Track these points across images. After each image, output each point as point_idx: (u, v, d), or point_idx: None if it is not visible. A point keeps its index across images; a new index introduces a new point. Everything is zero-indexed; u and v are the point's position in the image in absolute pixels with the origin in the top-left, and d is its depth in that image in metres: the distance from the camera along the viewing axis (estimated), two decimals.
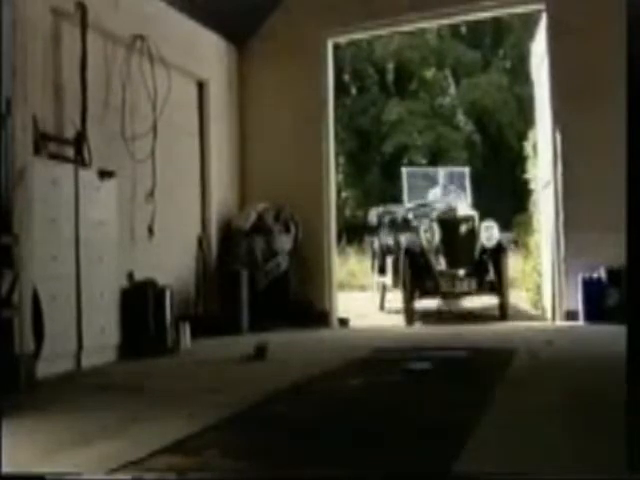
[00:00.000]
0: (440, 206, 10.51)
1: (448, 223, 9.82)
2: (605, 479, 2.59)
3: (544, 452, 2.93)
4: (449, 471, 2.72)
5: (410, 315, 9.29)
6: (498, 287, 9.34)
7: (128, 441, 3.31)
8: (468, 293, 9.77)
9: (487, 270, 9.45)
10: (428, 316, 9.96)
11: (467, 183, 12.02)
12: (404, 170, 12.60)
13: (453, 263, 9.53)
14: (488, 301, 10.02)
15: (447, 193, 11.49)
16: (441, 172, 12.26)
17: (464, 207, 10.49)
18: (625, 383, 2.58)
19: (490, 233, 9.56)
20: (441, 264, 9.56)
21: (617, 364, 4.81)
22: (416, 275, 9.43)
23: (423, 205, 11.06)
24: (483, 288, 9.49)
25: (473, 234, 9.71)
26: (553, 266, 8.20)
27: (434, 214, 10.04)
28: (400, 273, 9.74)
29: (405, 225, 10.64)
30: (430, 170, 13.53)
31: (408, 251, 9.60)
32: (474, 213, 10.14)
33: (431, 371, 5.20)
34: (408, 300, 9.34)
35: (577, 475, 2.65)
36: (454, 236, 9.70)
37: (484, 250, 9.52)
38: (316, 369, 5.34)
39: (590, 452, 2.92)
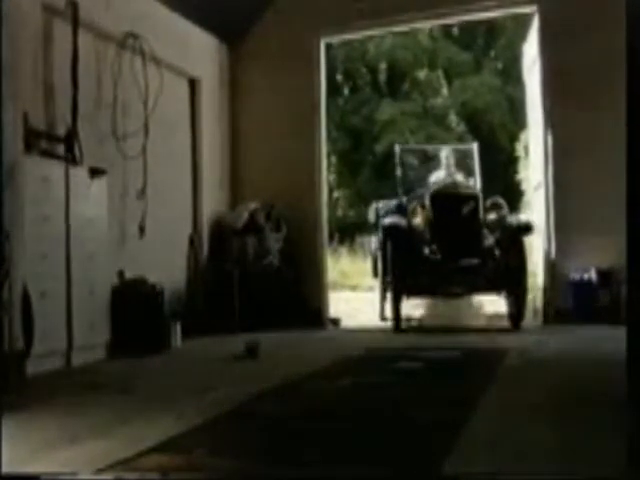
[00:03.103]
0: (437, 181, 8.61)
1: (446, 202, 7.83)
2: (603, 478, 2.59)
3: (540, 451, 2.93)
4: (440, 472, 2.72)
5: (397, 318, 7.72)
6: (510, 285, 7.58)
7: (117, 440, 3.29)
8: (471, 292, 8.05)
9: (495, 262, 7.62)
10: (418, 321, 8.85)
11: (476, 162, 9.81)
12: (397, 147, 10.48)
13: (452, 253, 7.61)
14: (498, 302, 8.34)
15: (452, 176, 8.94)
16: (444, 151, 9.54)
17: (467, 184, 8.74)
18: (621, 382, 2.57)
19: (498, 214, 7.80)
20: (436, 254, 7.64)
21: (609, 364, 4.84)
22: (402, 265, 7.59)
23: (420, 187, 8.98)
24: (491, 286, 7.71)
25: (477, 216, 7.74)
26: (544, 267, 8.21)
27: (427, 194, 8.10)
28: (386, 264, 8.05)
29: (400, 212, 8.72)
30: (430, 148, 11.19)
31: (391, 231, 7.85)
32: (478, 192, 8.28)
33: (423, 371, 5.20)
34: (394, 299, 7.68)
35: (575, 475, 2.65)
36: (453, 218, 7.73)
37: (492, 236, 7.75)
38: (306, 368, 5.33)
39: (586, 451, 2.92)
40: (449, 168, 9.00)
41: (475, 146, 10.28)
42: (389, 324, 8.17)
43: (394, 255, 7.73)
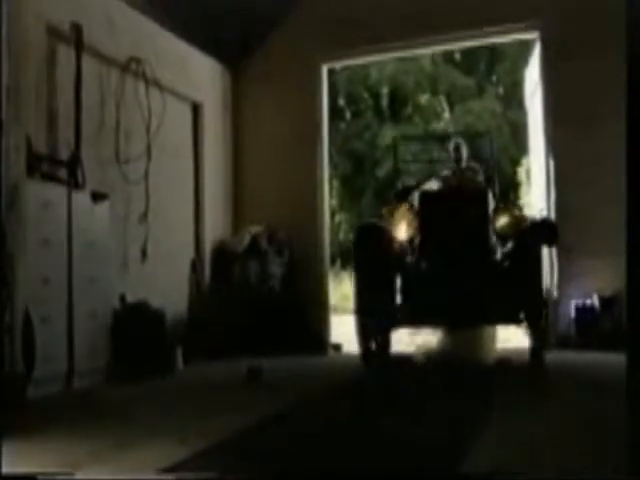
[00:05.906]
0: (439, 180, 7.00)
1: (444, 203, 6.06)
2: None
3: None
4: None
5: (368, 355, 6.10)
6: (529, 312, 5.92)
7: (117, 467, 3.26)
8: (476, 321, 6.08)
9: (509, 282, 5.83)
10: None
11: (493, 155, 8.14)
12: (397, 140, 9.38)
13: (448, 270, 5.77)
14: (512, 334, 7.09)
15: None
16: (452, 143, 7.61)
17: (472, 177, 7.10)
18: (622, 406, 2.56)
19: (513, 218, 6.03)
20: (426, 270, 5.80)
21: (612, 388, 4.81)
22: (379, 282, 5.83)
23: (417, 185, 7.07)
24: (504, 314, 5.86)
25: (486, 223, 5.97)
26: (545, 292, 8.17)
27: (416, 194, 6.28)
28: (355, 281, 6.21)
29: None
30: (436, 136, 9.31)
31: (362, 235, 6.06)
32: (487, 191, 6.42)
33: (424, 393, 5.16)
34: (364, 329, 6.06)
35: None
36: (455, 225, 5.89)
37: (504, 246, 6.06)
38: (308, 393, 5.31)
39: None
40: (459, 163, 7.17)
41: (491, 136, 8.95)
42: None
43: (363, 265, 5.99)
